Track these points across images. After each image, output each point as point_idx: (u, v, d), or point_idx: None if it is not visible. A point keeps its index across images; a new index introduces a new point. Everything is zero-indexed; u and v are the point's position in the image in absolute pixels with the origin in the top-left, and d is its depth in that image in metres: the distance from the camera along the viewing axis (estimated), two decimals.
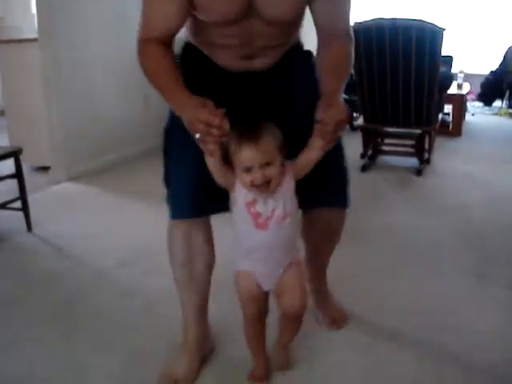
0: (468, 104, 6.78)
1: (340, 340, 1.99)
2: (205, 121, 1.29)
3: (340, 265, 2.55)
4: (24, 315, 2.19)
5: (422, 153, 4.24)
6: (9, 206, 2.98)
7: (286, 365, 1.80)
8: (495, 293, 2.34)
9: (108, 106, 4.44)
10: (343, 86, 1.55)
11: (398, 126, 4.16)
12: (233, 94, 1.59)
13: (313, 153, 1.48)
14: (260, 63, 1.59)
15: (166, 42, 1.51)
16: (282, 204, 1.50)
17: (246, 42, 1.51)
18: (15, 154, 2.92)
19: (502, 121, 6.70)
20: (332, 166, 1.67)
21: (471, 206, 3.41)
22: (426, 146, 4.32)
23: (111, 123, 4.48)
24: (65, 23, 3.92)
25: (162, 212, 3.37)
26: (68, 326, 2.11)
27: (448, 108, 5.57)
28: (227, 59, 1.58)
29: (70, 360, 1.89)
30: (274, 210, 1.49)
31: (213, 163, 1.45)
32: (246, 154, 1.41)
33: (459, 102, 5.56)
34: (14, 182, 3.00)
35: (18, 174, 2.96)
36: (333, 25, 1.58)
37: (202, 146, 1.38)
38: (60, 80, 3.94)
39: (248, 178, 1.43)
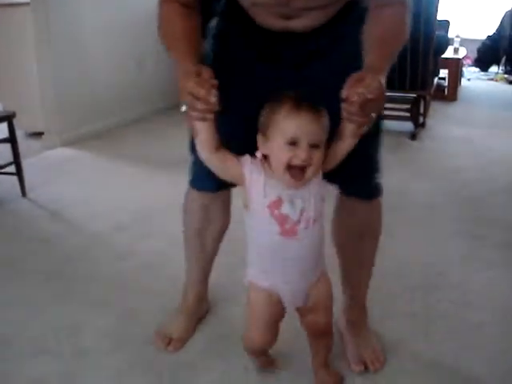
0: (464, 69, 6.74)
1: None
2: (190, 90, 1.15)
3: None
4: (17, 278, 2.20)
5: (416, 117, 4.23)
6: (2, 170, 2.97)
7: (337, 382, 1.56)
8: (489, 253, 2.37)
9: (102, 70, 4.39)
10: (390, 62, 1.28)
11: (392, 89, 4.13)
12: (269, 54, 1.42)
13: (343, 141, 1.22)
14: (299, 24, 1.36)
15: (189, 3, 1.39)
16: (313, 203, 1.24)
17: (281, 1, 1.31)
18: (8, 118, 2.90)
19: (498, 86, 6.69)
20: (360, 152, 1.31)
21: (466, 170, 3.42)
22: (421, 110, 4.31)
23: (105, 88, 4.44)
24: None
25: (157, 176, 3.41)
26: (62, 288, 2.11)
27: (444, 73, 5.54)
28: (265, 18, 1.39)
29: (63, 319, 1.90)
30: (302, 211, 1.23)
31: (199, 143, 1.23)
32: (302, 122, 1.15)
33: (455, 67, 5.52)
34: (7, 147, 2.98)
35: (12, 139, 2.94)
36: None
37: (186, 120, 1.22)
38: (53, 44, 3.89)
39: (288, 154, 1.15)
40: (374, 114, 1.17)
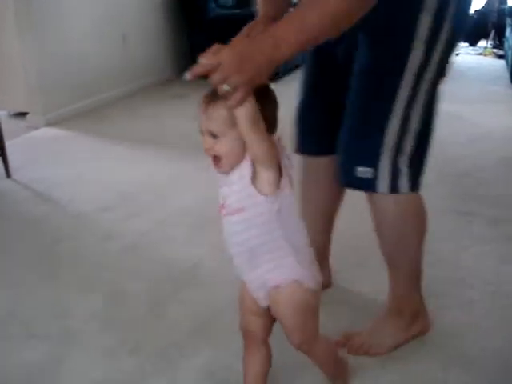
0: None
1: None
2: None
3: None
4: (4, 260, 2.18)
5: None
6: None
7: None
8: (478, 230, 2.36)
9: (86, 47, 4.32)
10: (297, 36, 1.09)
11: None
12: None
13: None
14: None
15: None
16: (236, 193, 1.18)
17: None
18: None
19: (487, 61, 6.65)
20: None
21: (454, 145, 3.40)
22: None
23: (90, 65, 4.37)
24: None
25: (145, 155, 3.37)
26: (49, 269, 2.10)
27: None
28: None
29: (51, 301, 1.89)
30: (225, 198, 1.21)
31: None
32: (201, 114, 1.14)
33: None
34: None
35: None
36: None
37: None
38: (35, 22, 3.81)
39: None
40: (227, 87, 1.03)
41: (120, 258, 2.16)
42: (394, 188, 1.46)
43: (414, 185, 1.51)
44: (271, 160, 1.13)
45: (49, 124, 3.96)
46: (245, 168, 1.15)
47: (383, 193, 1.46)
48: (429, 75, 1.36)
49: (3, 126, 2.97)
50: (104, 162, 3.23)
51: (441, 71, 1.39)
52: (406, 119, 1.38)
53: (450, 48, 1.37)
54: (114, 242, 2.28)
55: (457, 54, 6.72)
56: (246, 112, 1.06)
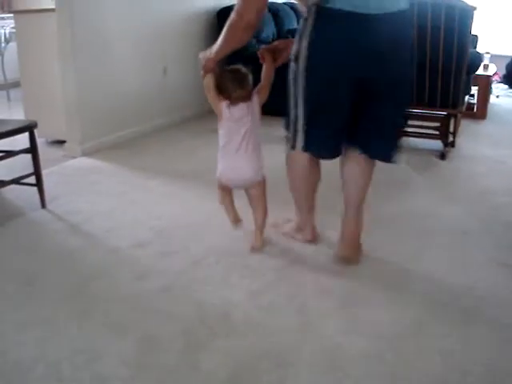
0: (492, 86, 6.59)
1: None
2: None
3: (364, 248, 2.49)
4: (37, 294, 2.13)
5: (446, 136, 4.11)
6: (23, 181, 2.91)
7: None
8: None
9: (125, 79, 4.34)
10: (220, 44, 2.25)
11: (422, 107, 4.03)
12: None
13: None
14: None
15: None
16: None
17: None
18: (30, 128, 2.84)
19: None
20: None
21: (497, 193, 3.29)
22: (451, 129, 4.19)
23: (128, 97, 4.39)
24: None
25: (180, 190, 3.35)
26: (81, 308, 2.04)
27: (473, 90, 5.41)
28: None
29: (81, 343, 1.83)
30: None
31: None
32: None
33: (485, 84, 5.39)
34: (28, 157, 2.92)
35: (33, 149, 2.88)
36: None
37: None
38: (77, 52, 3.84)
39: None
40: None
41: (154, 299, 2.09)
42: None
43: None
44: (215, 108, 2.34)
45: (86, 153, 3.95)
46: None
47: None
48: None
49: (40, 154, 2.95)
50: (139, 196, 3.20)
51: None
52: None
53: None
54: (148, 282, 2.22)
55: (497, 96, 6.61)
56: (204, 82, 2.34)
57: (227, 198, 2.52)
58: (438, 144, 4.14)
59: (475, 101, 5.42)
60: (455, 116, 4.10)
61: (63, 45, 3.82)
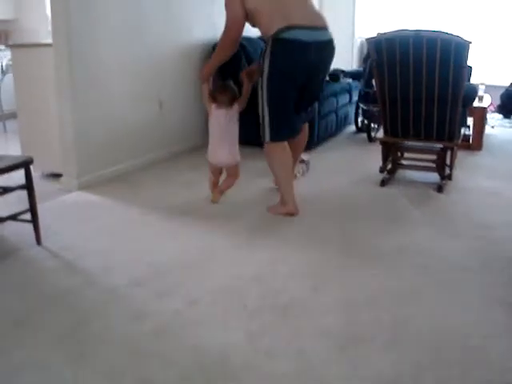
0: (487, 116, 6.63)
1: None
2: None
3: (356, 288, 2.46)
4: (31, 336, 2.09)
5: (443, 168, 4.11)
6: (18, 217, 2.88)
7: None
8: None
9: (122, 113, 4.34)
10: (214, 57, 3.45)
11: (419, 140, 4.04)
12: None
13: None
14: None
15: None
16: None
17: None
18: (26, 164, 2.82)
19: None
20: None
21: (495, 227, 3.28)
22: (448, 161, 4.19)
23: (125, 130, 4.38)
24: (80, 28, 3.82)
25: (173, 227, 3.33)
26: (76, 350, 2.00)
27: (468, 120, 5.43)
28: None
29: None
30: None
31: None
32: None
33: (480, 115, 5.42)
34: (23, 192, 2.90)
35: (29, 185, 2.86)
36: None
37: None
38: (74, 86, 3.84)
39: None
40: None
41: (150, 342, 2.05)
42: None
43: None
44: (207, 109, 3.52)
45: (82, 187, 3.93)
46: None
47: None
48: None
49: (36, 187, 2.93)
50: (136, 232, 3.17)
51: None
52: None
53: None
54: (145, 323, 2.18)
55: (492, 127, 6.64)
56: (202, 88, 3.58)
57: (215, 173, 3.61)
58: (434, 176, 4.14)
59: (471, 132, 5.44)
60: (452, 149, 4.11)
61: (60, 79, 3.82)
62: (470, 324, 2.20)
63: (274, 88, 3.16)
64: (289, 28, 3.06)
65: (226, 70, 4.08)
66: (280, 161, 3.32)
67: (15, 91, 4.30)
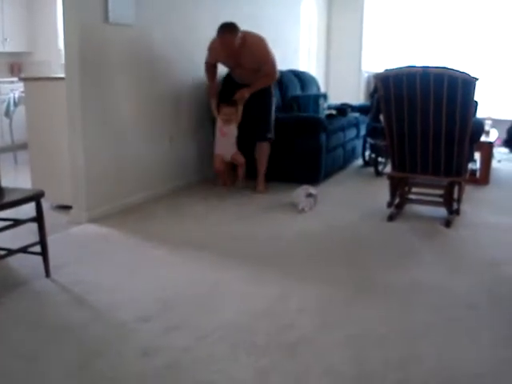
0: (493, 150, 6.64)
1: None
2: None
3: (365, 325, 2.45)
4: (37, 372, 2.09)
5: (451, 203, 4.12)
6: (28, 249, 2.90)
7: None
8: None
9: (132, 146, 4.39)
10: (255, 88, 4.80)
11: (426, 175, 4.06)
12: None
13: None
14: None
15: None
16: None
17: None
18: (37, 197, 2.85)
19: None
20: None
21: (503, 263, 3.27)
22: (455, 196, 4.20)
23: (135, 164, 4.42)
24: (92, 62, 3.89)
25: (183, 261, 3.34)
26: None
27: (475, 155, 5.45)
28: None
29: None
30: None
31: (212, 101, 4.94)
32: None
33: (487, 150, 5.45)
34: (33, 223, 2.92)
35: (39, 218, 2.88)
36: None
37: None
38: (85, 120, 3.89)
39: None
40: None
41: (159, 379, 2.05)
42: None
43: None
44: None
45: (91, 220, 3.95)
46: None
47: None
48: None
49: (45, 219, 2.95)
50: (145, 265, 3.18)
51: None
52: None
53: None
54: (153, 359, 2.18)
55: (498, 161, 6.66)
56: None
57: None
58: (442, 211, 4.14)
59: (478, 166, 5.45)
60: (459, 183, 4.12)
61: (71, 113, 3.87)
62: (481, 363, 2.18)
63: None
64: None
65: (222, 93, 5.01)
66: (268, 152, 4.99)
67: (27, 123, 4.37)
